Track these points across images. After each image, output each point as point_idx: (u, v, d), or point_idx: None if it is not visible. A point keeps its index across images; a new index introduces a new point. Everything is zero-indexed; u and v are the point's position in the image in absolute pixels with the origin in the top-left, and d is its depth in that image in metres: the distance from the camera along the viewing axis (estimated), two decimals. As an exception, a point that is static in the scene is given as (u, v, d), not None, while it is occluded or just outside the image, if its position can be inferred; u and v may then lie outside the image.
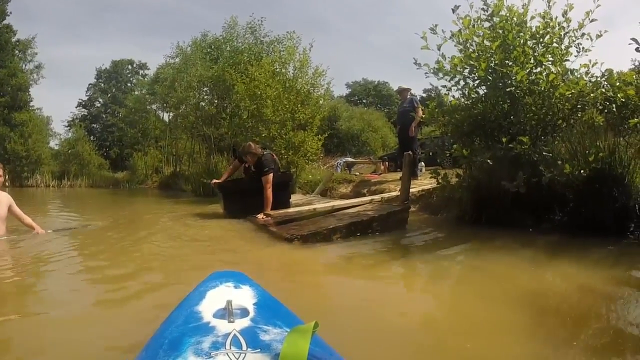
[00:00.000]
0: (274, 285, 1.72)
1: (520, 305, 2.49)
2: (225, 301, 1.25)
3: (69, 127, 42.12)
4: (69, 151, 33.99)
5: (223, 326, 1.09)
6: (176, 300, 1.43)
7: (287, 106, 10.13)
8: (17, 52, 33.59)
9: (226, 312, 1.19)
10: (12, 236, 4.60)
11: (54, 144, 36.43)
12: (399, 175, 9.48)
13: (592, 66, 4.89)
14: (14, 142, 28.98)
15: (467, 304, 2.60)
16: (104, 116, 47.14)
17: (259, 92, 10.50)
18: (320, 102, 11.15)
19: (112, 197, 17.32)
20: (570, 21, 4.97)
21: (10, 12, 32.76)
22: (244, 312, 1.23)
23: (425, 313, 2.47)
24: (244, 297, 1.35)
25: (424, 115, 6.40)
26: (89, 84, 49.40)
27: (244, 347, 0.96)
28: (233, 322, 1.11)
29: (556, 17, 4.99)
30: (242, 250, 4.30)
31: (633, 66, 15.28)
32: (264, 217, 5.75)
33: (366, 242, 4.43)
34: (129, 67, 49.89)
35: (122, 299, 2.62)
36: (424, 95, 28.50)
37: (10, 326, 2.17)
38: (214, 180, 7.02)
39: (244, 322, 1.12)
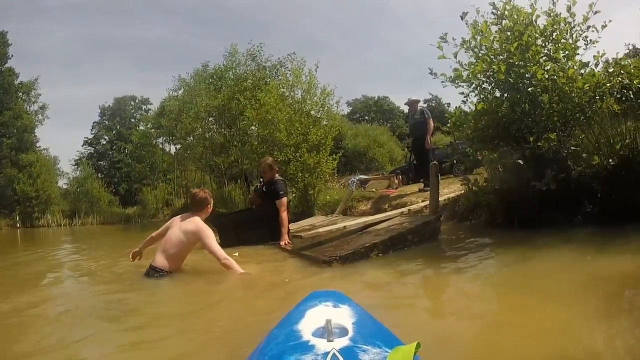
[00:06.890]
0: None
1: (588, 294, 2.57)
2: (325, 320, 1.25)
3: (76, 166, 42.80)
4: (78, 189, 34.64)
5: (322, 345, 1.11)
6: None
7: (299, 129, 10.18)
8: (20, 94, 34.68)
9: (325, 331, 1.20)
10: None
11: (62, 183, 37.21)
12: (416, 187, 9.56)
13: (601, 57, 4.93)
14: (22, 183, 29.65)
15: (541, 305, 2.53)
16: (110, 153, 47.77)
17: (270, 117, 10.59)
18: (324, 122, 11.12)
19: (126, 233, 17.05)
20: (574, 16, 4.99)
21: (12, 55, 33.98)
22: (343, 332, 1.23)
23: (505, 321, 2.38)
24: (343, 316, 1.35)
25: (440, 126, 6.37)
26: (94, 122, 50.49)
27: (344, 366, 0.96)
28: (332, 341, 1.12)
29: (560, 13, 5.02)
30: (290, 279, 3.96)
31: (627, 50, 15.39)
32: (286, 242, 5.61)
33: (408, 256, 4.25)
34: (132, 103, 50.74)
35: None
36: (425, 105, 28.63)
37: None
38: None
39: (343, 342, 1.13)
